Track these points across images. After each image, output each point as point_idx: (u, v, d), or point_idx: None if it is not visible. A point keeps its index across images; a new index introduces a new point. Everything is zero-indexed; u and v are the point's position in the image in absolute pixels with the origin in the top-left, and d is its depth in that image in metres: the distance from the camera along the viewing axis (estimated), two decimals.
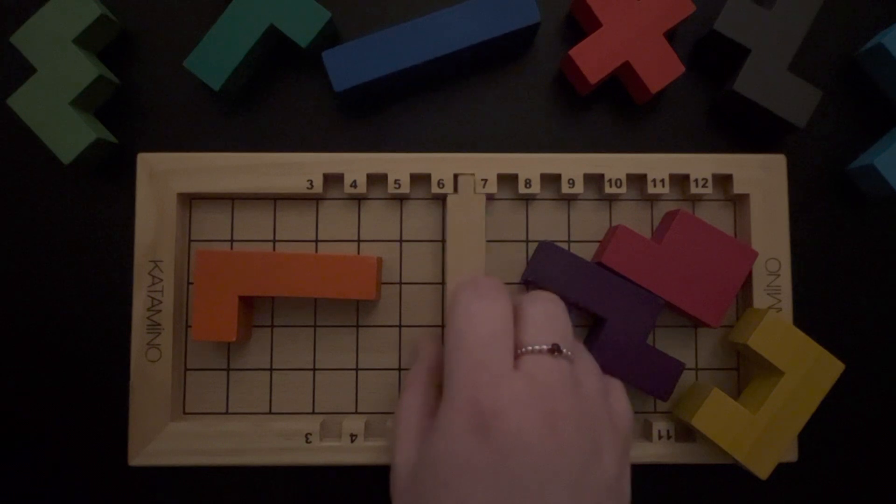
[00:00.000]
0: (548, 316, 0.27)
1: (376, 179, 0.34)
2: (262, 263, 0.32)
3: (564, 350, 0.26)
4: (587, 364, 0.28)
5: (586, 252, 0.35)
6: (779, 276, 0.34)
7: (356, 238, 0.35)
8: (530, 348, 0.26)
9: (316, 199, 0.35)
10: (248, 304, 0.34)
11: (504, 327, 0.26)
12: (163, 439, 0.32)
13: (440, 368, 0.30)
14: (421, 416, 0.28)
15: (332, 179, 0.34)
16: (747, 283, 0.34)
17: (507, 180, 0.35)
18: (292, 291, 0.32)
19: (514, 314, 0.27)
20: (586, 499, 0.24)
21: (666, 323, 0.35)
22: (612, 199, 0.35)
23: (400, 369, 0.34)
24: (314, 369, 0.34)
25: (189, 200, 0.35)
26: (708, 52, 0.37)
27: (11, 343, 0.35)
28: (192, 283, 0.34)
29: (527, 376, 0.25)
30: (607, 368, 0.32)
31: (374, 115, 0.37)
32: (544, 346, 0.26)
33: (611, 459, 0.26)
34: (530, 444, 0.24)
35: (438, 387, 0.29)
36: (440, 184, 0.34)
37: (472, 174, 0.34)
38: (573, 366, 0.27)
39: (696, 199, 0.35)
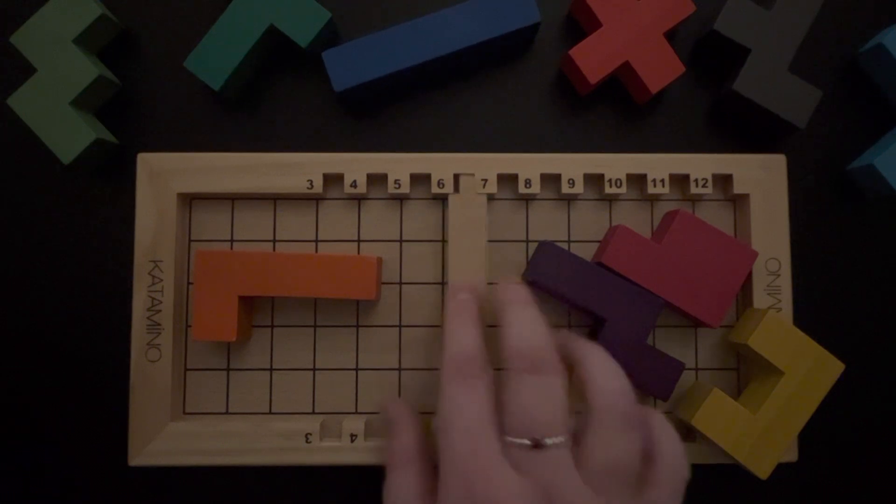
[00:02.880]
0: (531, 404, 0.26)
1: (376, 179, 0.34)
2: (261, 263, 0.32)
3: (550, 441, 0.25)
4: (598, 434, 0.26)
5: (586, 252, 0.35)
6: (779, 276, 0.34)
7: (356, 238, 0.35)
8: (510, 441, 0.25)
9: (316, 199, 0.35)
10: (248, 304, 0.34)
11: (488, 415, 0.25)
12: (163, 439, 0.32)
13: (420, 442, 0.29)
14: (416, 495, 0.27)
15: (332, 179, 0.34)
16: (747, 283, 0.34)
17: (507, 180, 0.35)
18: (292, 291, 0.32)
19: (500, 392, 0.26)
20: None
21: (666, 323, 0.35)
22: (612, 199, 0.35)
23: (400, 369, 0.34)
24: (314, 369, 0.34)
25: (189, 200, 0.35)
26: (708, 52, 0.37)
27: (11, 343, 0.35)
28: (192, 283, 0.34)
29: (517, 467, 0.25)
30: None
31: (374, 115, 0.37)
32: (526, 441, 0.25)
33: None
34: None
35: (425, 460, 0.28)
36: (440, 184, 0.34)
37: (473, 174, 0.34)
38: (562, 450, 0.25)
39: (696, 199, 0.35)
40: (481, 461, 0.24)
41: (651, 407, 0.29)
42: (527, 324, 0.27)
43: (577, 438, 0.26)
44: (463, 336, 0.28)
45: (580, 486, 0.25)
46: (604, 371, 0.27)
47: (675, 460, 0.27)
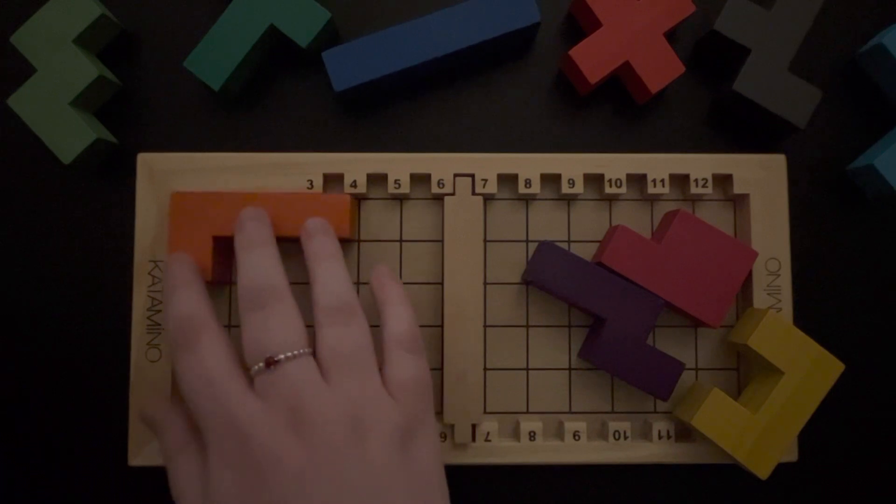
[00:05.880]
0: (259, 329, 0.27)
1: (376, 179, 0.34)
2: (236, 204, 0.32)
3: (282, 355, 0.26)
4: (388, 361, 0.28)
5: (586, 252, 0.35)
6: (779, 276, 0.34)
7: (356, 238, 0.35)
8: (254, 368, 0.26)
9: None
10: (226, 249, 0.33)
11: (225, 362, 0.27)
12: None
13: (188, 427, 0.29)
14: (198, 476, 0.27)
15: (332, 179, 0.34)
16: (747, 283, 0.34)
17: (507, 180, 0.35)
18: None
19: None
20: (353, 495, 0.24)
21: (666, 323, 0.35)
22: (612, 199, 0.35)
23: None
24: None
25: None
26: (708, 52, 0.37)
27: (12, 343, 0.35)
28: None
29: (261, 394, 0.26)
30: (607, 368, 0.32)
31: (374, 115, 0.37)
32: (261, 364, 0.26)
33: (378, 442, 0.25)
34: (280, 458, 0.24)
35: (199, 441, 0.28)
36: (440, 184, 0.34)
37: (469, 176, 0.34)
38: (299, 361, 0.26)
39: (696, 199, 0.35)
40: (224, 402, 0.26)
41: None
42: (334, 277, 0.29)
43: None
44: (178, 300, 0.28)
45: (323, 387, 0.26)
46: (394, 314, 0.29)
47: None
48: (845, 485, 0.36)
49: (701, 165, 0.34)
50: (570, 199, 0.35)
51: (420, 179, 0.34)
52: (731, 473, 0.35)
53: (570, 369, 0.34)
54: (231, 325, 0.34)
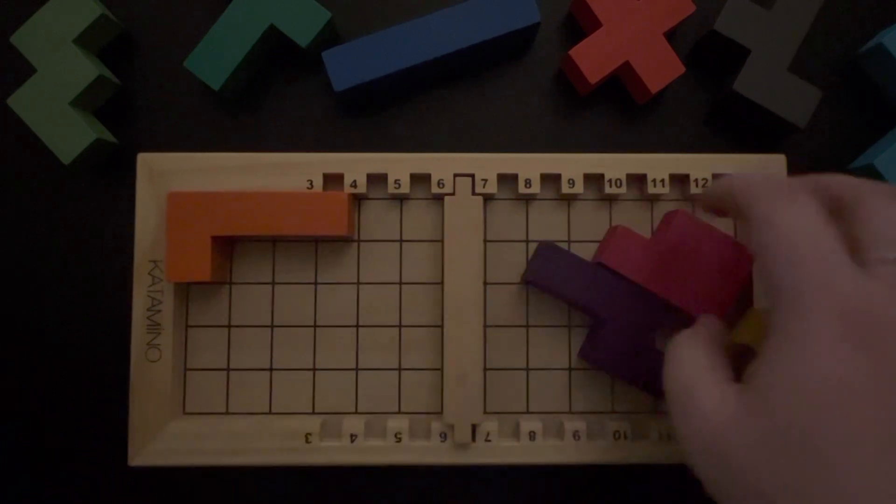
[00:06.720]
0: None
1: (376, 179, 0.34)
2: (233, 202, 0.32)
3: None
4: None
5: (586, 252, 0.35)
6: None
7: (356, 238, 0.35)
8: (877, 256, 0.22)
9: None
10: (225, 248, 0.33)
11: (822, 227, 0.22)
12: (163, 439, 0.32)
13: (720, 335, 0.27)
14: (712, 367, 0.25)
15: (332, 179, 0.34)
16: (747, 283, 0.34)
17: (507, 180, 0.35)
18: (264, 230, 0.32)
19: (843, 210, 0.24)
20: None
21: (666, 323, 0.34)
22: (612, 199, 0.35)
23: (400, 369, 0.34)
24: (314, 369, 0.34)
25: None
26: (708, 52, 0.37)
27: (11, 343, 0.35)
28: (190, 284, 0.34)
29: (879, 276, 0.21)
30: (607, 369, 0.32)
31: (374, 115, 0.37)
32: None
33: None
34: None
35: (720, 348, 0.26)
36: (440, 184, 0.34)
37: (469, 176, 0.34)
38: None
39: (696, 199, 0.35)
40: (838, 273, 0.21)
41: None
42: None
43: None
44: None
45: None
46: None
47: None
48: None
49: (701, 165, 0.34)
50: (570, 199, 0.35)
51: (420, 179, 0.34)
52: None
53: (570, 369, 0.34)
54: (231, 326, 0.34)
